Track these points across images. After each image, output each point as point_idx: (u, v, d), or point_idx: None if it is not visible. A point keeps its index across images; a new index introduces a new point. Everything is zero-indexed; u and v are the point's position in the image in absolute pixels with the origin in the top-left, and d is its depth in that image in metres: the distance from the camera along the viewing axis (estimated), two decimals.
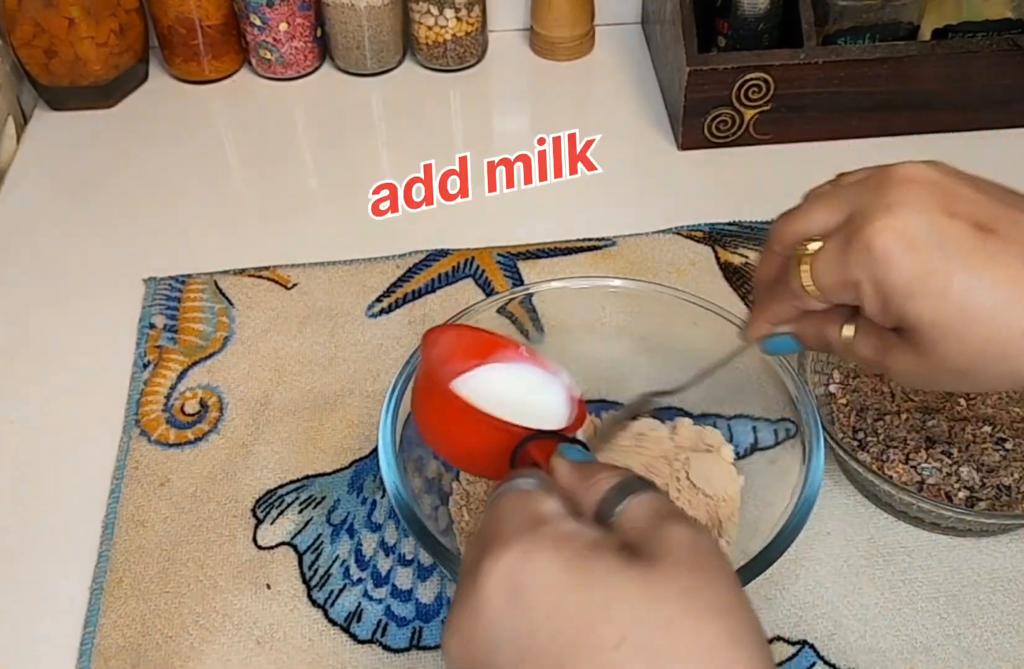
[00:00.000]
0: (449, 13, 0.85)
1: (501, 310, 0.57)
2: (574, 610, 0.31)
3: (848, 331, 0.44)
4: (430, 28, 0.87)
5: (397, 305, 0.70)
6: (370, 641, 0.53)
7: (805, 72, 0.77)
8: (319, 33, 0.88)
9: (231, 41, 0.88)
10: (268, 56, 0.88)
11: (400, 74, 0.91)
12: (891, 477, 0.56)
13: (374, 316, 0.69)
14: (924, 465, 0.56)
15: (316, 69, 0.91)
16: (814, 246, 0.42)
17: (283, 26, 0.85)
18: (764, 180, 0.79)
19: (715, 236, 0.74)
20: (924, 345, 0.40)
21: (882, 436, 0.58)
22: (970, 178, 0.42)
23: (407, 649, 0.53)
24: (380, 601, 0.55)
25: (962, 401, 0.59)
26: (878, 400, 0.60)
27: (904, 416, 0.58)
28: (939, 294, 0.39)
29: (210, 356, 0.67)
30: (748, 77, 0.76)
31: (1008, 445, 0.57)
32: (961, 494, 0.55)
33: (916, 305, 0.39)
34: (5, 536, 0.59)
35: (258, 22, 0.85)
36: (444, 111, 0.88)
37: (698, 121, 0.80)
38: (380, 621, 0.54)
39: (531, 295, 0.57)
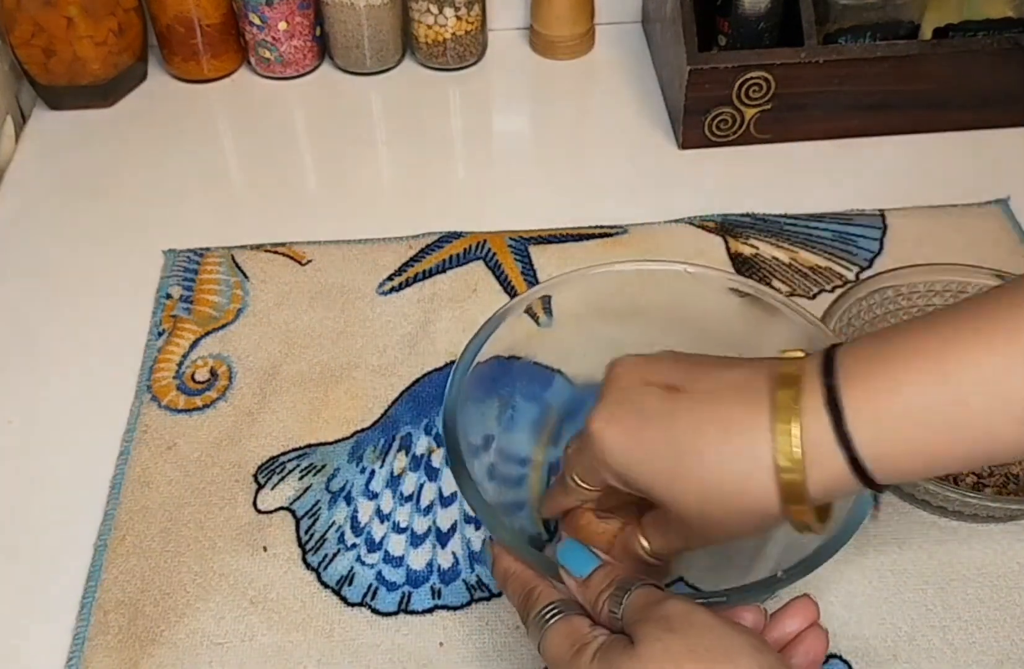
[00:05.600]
0: (449, 12, 0.85)
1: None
2: None
3: (642, 539, 0.46)
4: (430, 27, 0.86)
5: (407, 284, 0.71)
6: (359, 604, 0.55)
7: (806, 71, 0.77)
8: (318, 32, 0.88)
9: (230, 40, 0.88)
10: (267, 55, 0.87)
11: (400, 73, 0.91)
12: None
13: (384, 293, 0.70)
14: None
15: (315, 68, 0.91)
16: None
17: (282, 25, 0.85)
18: (764, 180, 0.79)
19: (727, 226, 0.74)
20: (667, 506, 0.41)
21: None
22: (678, 353, 0.44)
23: (395, 613, 0.54)
24: (372, 566, 0.56)
25: None
26: None
27: None
28: (648, 454, 0.40)
29: (223, 327, 0.69)
30: (749, 76, 0.76)
31: None
32: (968, 479, 0.56)
33: (637, 471, 0.41)
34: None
35: (257, 21, 0.85)
36: (444, 110, 0.88)
37: (698, 120, 0.79)
38: (371, 585, 0.55)
39: (549, 297, 0.56)
